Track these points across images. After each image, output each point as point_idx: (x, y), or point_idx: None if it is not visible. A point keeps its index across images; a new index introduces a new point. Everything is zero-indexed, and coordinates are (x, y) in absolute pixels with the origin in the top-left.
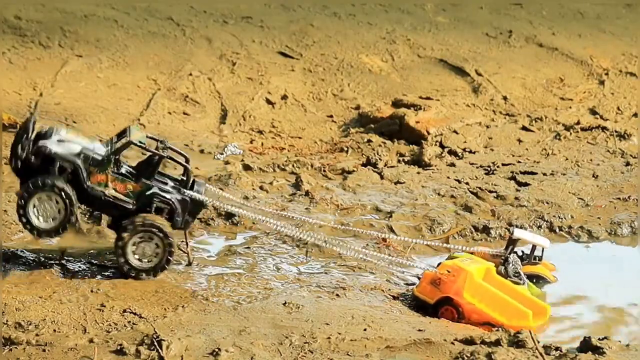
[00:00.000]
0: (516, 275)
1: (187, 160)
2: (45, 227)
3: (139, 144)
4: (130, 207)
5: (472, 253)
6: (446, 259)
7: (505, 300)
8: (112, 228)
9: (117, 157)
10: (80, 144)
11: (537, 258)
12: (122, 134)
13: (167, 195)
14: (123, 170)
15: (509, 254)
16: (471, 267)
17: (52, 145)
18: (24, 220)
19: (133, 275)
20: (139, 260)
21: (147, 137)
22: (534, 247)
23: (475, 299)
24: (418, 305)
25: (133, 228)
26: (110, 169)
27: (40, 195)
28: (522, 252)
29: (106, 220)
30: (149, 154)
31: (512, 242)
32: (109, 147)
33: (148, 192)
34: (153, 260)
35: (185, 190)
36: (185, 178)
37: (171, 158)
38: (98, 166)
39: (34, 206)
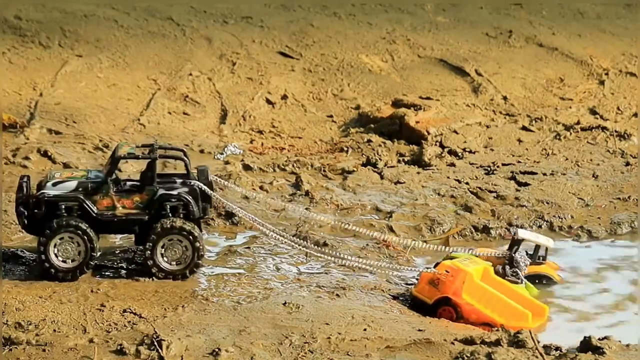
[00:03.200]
0: (514, 275)
1: (184, 154)
2: (68, 266)
3: (126, 156)
4: (145, 217)
5: (477, 256)
6: (444, 259)
7: (505, 301)
8: (139, 244)
9: (113, 177)
10: (75, 179)
11: (541, 258)
12: (112, 154)
13: (175, 192)
14: (127, 187)
15: (514, 253)
16: (470, 268)
17: (49, 191)
18: (47, 264)
19: (162, 277)
20: (168, 263)
21: (137, 146)
22: (537, 247)
23: (474, 299)
24: (415, 304)
25: (162, 232)
26: (112, 190)
27: (58, 238)
28: (526, 252)
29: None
30: (147, 162)
31: (516, 242)
32: (104, 171)
33: (156, 197)
34: (182, 263)
35: (190, 181)
36: (186, 170)
37: (164, 156)
38: (99, 192)
39: (55, 250)
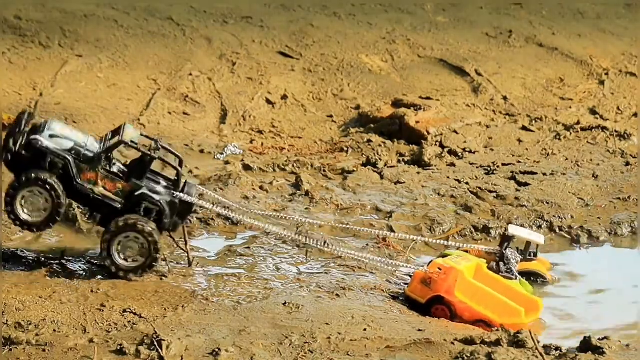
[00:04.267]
0: (508, 271)
1: (180, 162)
2: (33, 220)
3: (130, 143)
4: (118, 206)
5: (466, 251)
6: (438, 257)
7: (498, 298)
8: (102, 226)
9: (109, 155)
10: (72, 140)
11: (533, 254)
12: (116, 131)
13: (156, 197)
14: (115, 169)
15: (504, 250)
16: (462, 266)
17: (44, 139)
18: (12, 216)
19: (120, 275)
20: (124, 260)
21: (141, 135)
22: (528, 244)
23: (467, 297)
24: (410, 304)
25: (119, 227)
26: (101, 167)
27: (27, 191)
28: (517, 248)
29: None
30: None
31: (507, 239)
32: (102, 145)
33: (137, 193)
34: (138, 260)
35: (175, 193)
36: (177, 179)
37: (162, 159)
38: (89, 163)
39: (22, 201)
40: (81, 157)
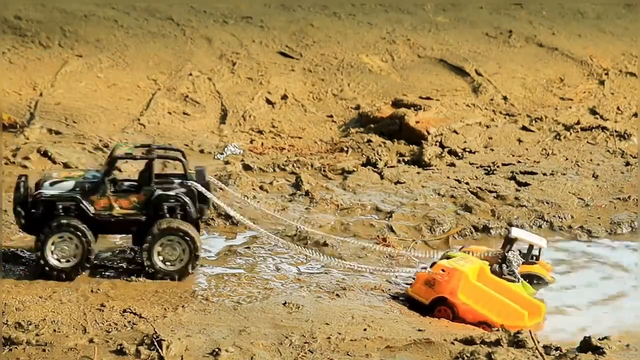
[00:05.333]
0: (510, 273)
1: (183, 155)
2: (64, 266)
3: (124, 156)
4: (142, 217)
5: (468, 253)
6: (440, 258)
7: (501, 301)
8: (136, 244)
9: (110, 177)
10: (72, 179)
11: (535, 257)
12: (110, 154)
13: (173, 192)
14: (125, 187)
15: (507, 252)
16: (465, 268)
17: (47, 190)
18: (43, 262)
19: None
20: (164, 263)
21: (135, 147)
22: (530, 247)
23: (470, 299)
24: (410, 303)
25: (158, 233)
26: (110, 191)
27: (57, 237)
28: (520, 251)
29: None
30: (145, 162)
31: (509, 241)
32: (102, 172)
33: (153, 197)
34: (177, 264)
35: (187, 182)
36: (184, 171)
37: (161, 157)
38: (96, 192)
39: (52, 248)
40: (87, 190)
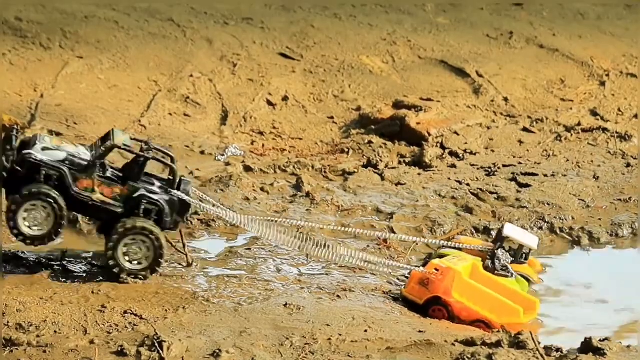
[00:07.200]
0: (504, 269)
1: (172, 160)
2: (35, 234)
3: (123, 147)
4: (119, 210)
5: (460, 249)
6: (434, 257)
7: (495, 298)
8: (101, 232)
9: (102, 161)
10: (65, 151)
11: (524, 256)
12: (105, 137)
13: (155, 197)
14: (109, 174)
15: (497, 249)
16: (459, 266)
17: (37, 153)
18: (15, 230)
19: (124, 277)
20: (130, 262)
21: (131, 139)
22: (520, 246)
23: (464, 297)
24: (410, 305)
25: (123, 231)
26: (96, 174)
27: (29, 205)
28: (510, 248)
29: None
30: (134, 155)
31: (500, 238)
32: (94, 152)
33: (135, 195)
34: (143, 263)
35: (172, 191)
36: (171, 178)
37: (156, 159)
38: (84, 172)
39: (24, 216)
40: (76, 166)
